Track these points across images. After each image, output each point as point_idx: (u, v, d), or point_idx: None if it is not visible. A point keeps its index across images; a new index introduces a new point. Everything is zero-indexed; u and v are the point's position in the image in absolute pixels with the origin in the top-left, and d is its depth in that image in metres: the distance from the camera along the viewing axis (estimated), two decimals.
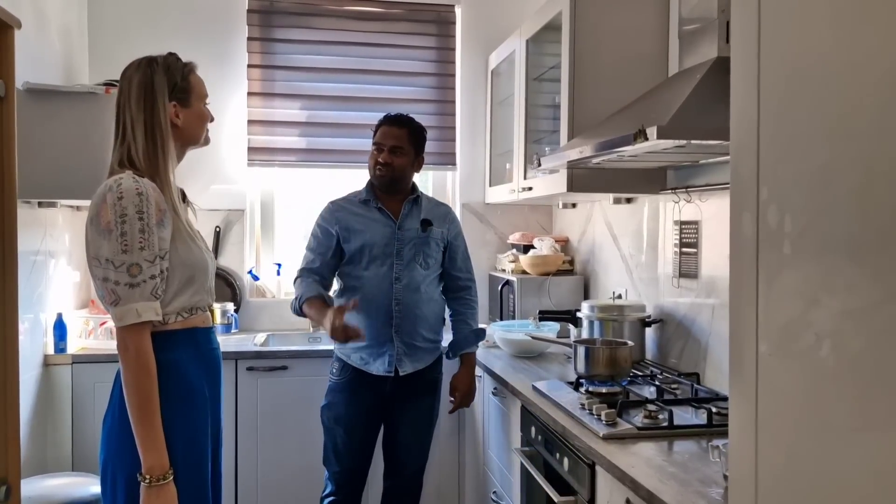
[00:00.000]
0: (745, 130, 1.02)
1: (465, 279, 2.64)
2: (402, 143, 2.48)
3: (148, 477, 1.50)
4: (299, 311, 2.51)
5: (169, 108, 1.65)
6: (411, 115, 2.56)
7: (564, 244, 3.45)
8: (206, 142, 1.79)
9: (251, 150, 3.51)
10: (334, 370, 2.55)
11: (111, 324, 2.88)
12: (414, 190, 2.58)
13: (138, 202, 1.53)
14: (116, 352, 1.56)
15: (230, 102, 3.45)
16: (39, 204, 2.75)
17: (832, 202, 0.85)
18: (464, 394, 2.60)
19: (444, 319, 2.63)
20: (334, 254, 2.52)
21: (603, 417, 1.80)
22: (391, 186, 2.50)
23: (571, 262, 3.38)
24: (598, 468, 1.68)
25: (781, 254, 0.95)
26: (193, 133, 1.72)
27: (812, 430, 0.89)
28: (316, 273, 2.52)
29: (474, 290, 2.67)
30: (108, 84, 2.74)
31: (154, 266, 1.55)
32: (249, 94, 3.50)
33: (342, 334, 2.25)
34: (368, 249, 2.46)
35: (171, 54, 1.71)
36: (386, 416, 2.56)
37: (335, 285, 2.61)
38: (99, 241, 1.53)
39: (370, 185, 2.56)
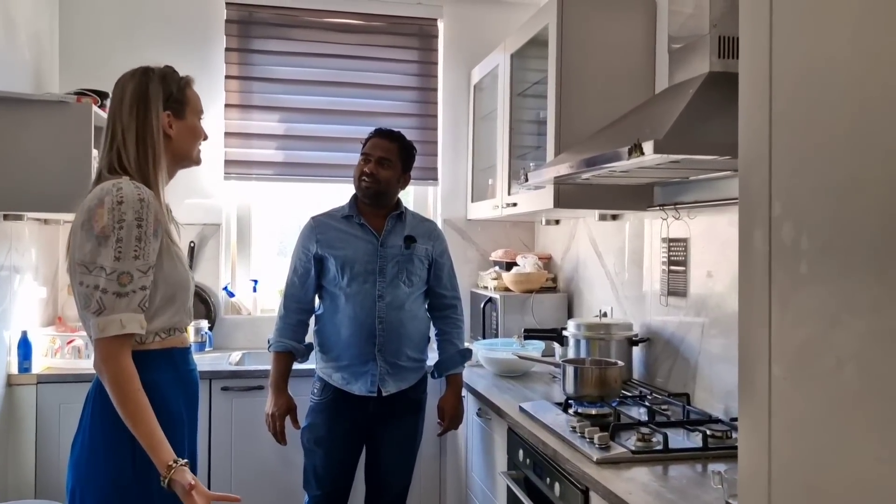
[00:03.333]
0: (756, 144, 0.98)
1: (451, 297, 2.58)
2: (391, 157, 2.42)
3: (167, 473, 1.45)
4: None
5: (162, 118, 1.61)
6: (402, 133, 2.52)
7: (547, 261, 3.41)
8: (198, 161, 1.74)
9: (228, 162, 3.42)
10: (315, 390, 2.48)
11: (79, 342, 2.83)
12: (398, 206, 2.51)
13: (139, 208, 1.48)
14: (91, 370, 1.50)
15: (207, 114, 3.33)
16: (4, 216, 2.63)
17: (856, 218, 0.81)
18: (451, 416, 2.53)
19: (429, 338, 2.56)
20: (315, 275, 2.45)
21: (595, 441, 1.74)
22: (375, 200, 2.44)
23: (554, 280, 3.33)
24: (591, 494, 1.62)
25: (797, 273, 0.90)
26: (185, 147, 1.68)
27: (834, 459, 0.83)
28: (296, 301, 2.47)
29: (460, 308, 2.61)
30: (81, 93, 2.64)
31: (146, 277, 1.49)
32: (226, 105, 3.42)
33: (275, 435, 2.43)
34: (350, 266, 2.39)
35: (167, 66, 1.68)
36: (368, 438, 2.48)
37: (316, 302, 2.53)
38: (89, 246, 1.46)
39: (354, 199, 2.50)
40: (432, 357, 2.57)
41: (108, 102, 2.71)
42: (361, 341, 2.37)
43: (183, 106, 1.66)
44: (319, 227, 2.46)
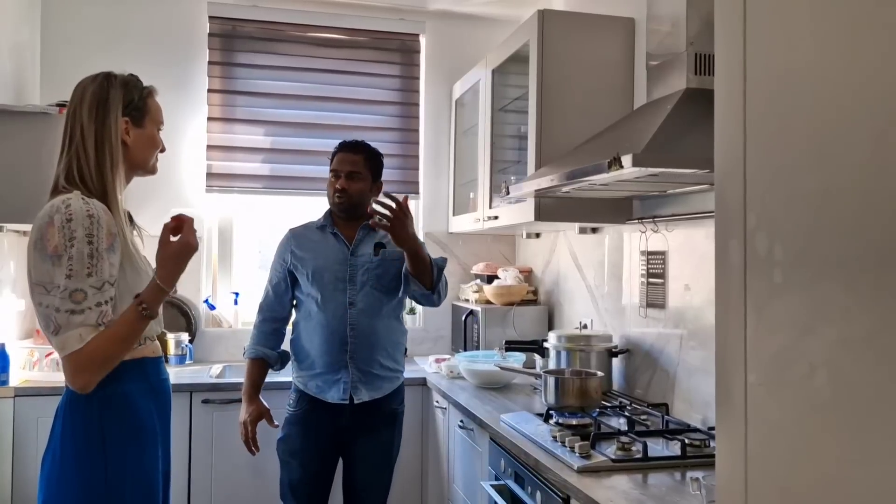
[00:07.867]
0: (731, 156, 1.01)
1: None
2: (359, 169, 2.45)
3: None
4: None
5: (121, 124, 1.59)
6: (367, 142, 2.52)
7: (528, 274, 3.44)
8: (153, 171, 1.72)
9: (210, 175, 3.42)
10: (291, 401, 2.49)
11: (58, 354, 2.79)
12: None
13: (88, 225, 1.46)
14: (63, 384, 1.47)
15: (189, 127, 3.37)
16: None
17: (827, 229, 0.84)
18: (398, 215, 2.23)
19: (405, 348, 2.56)
20: (287, 285, 2.49)
21: (576, 450, 1.77)
22: (350, 212, 2.47)
23: (535, 293, 3.36)
24: (573, 502, 1.64)
25: (771, 282, 0.93)
26: (141, 156, 1.66)
27: (807, 463, 0.86)
28: (271, 311, 2.51)
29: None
30: (62, 104, 2.64)
31: (101, 293, 1.47)
32: (209, 118, 3.43)
33: (246, 443, 2.43)
34: (320, 275, 2.41)
35: (130, 74, 1.67)
36: (343, 450, 2.47)
37: (293, 313, 2.54)
38: (43, 266, 1.45)
39: (329, 211, 2.53)
40: (410, 368, 2.57)
41: None
42: (334, 349, 2.38)
43: (142, 114, 1.64)
44: (295, 240, 2.50)
